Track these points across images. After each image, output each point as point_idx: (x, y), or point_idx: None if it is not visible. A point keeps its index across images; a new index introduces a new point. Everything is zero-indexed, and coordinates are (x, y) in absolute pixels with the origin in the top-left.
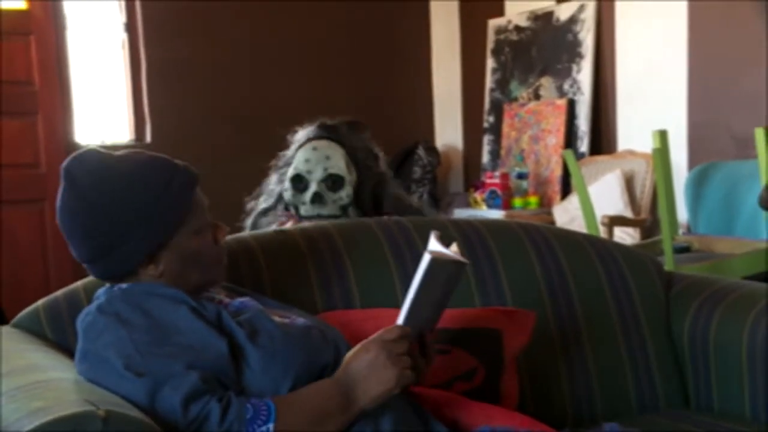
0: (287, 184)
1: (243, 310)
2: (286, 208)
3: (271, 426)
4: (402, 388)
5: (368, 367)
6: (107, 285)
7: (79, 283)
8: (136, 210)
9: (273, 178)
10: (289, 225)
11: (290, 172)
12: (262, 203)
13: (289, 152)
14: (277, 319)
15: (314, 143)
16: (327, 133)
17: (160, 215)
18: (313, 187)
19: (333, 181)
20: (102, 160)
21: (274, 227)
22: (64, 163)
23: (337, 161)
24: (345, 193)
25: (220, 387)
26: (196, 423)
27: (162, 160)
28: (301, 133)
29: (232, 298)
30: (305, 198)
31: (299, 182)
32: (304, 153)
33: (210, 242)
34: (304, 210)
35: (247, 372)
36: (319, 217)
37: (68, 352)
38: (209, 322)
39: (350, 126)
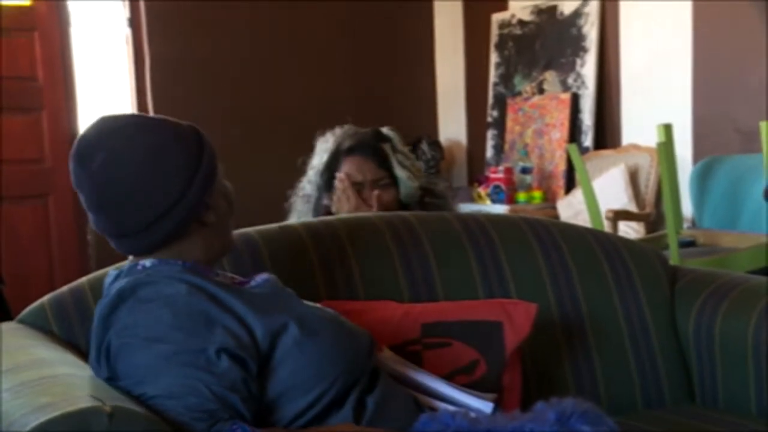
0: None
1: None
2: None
3: None
4: None
5: None
6: (128, 266)
7: (84, 279)
8: (189, 156)
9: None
10: None
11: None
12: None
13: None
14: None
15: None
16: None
17: (208, 156)
18: None
19: None
20: (128, 120)
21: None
22: (95, 134)
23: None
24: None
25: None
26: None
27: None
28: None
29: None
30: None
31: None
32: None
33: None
34: None
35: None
36: None
37: (75, 347)
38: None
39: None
